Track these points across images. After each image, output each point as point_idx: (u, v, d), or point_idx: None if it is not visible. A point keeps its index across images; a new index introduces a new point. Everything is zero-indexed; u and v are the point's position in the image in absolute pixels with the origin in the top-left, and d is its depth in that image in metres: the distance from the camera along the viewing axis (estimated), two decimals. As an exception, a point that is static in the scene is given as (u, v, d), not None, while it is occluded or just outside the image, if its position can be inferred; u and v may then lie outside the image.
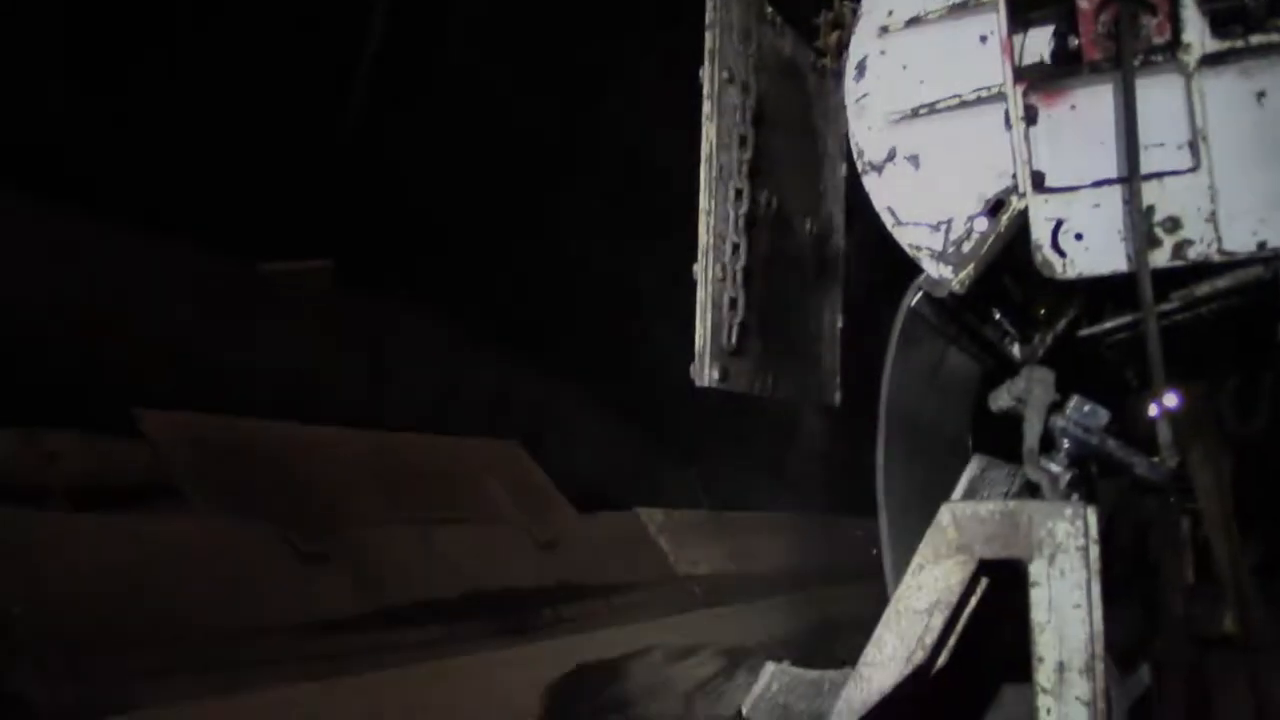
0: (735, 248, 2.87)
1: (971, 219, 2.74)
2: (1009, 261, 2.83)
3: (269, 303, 5.62)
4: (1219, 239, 2.45)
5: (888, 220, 2.86)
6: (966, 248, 2.73)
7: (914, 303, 2.88)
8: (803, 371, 3.25)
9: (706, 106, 2.88)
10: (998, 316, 3.32)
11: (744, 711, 2.54)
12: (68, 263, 4.75)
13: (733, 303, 2.85)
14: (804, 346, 3.28)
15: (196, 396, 4.76)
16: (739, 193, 2.89)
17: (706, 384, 2.78)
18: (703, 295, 2.79)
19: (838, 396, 3.43)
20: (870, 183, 2.90)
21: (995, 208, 2.70)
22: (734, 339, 2.84)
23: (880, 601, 2.58)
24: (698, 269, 2.80)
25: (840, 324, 3.45)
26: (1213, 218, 2.46)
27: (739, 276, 2.87)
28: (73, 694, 3.17)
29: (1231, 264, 2.50)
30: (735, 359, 2.86)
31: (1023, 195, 2.66)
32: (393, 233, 7.00)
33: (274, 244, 6.05)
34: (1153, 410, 2.72)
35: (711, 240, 2.80)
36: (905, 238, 2.83)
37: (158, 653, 3.47)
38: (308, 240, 6.30)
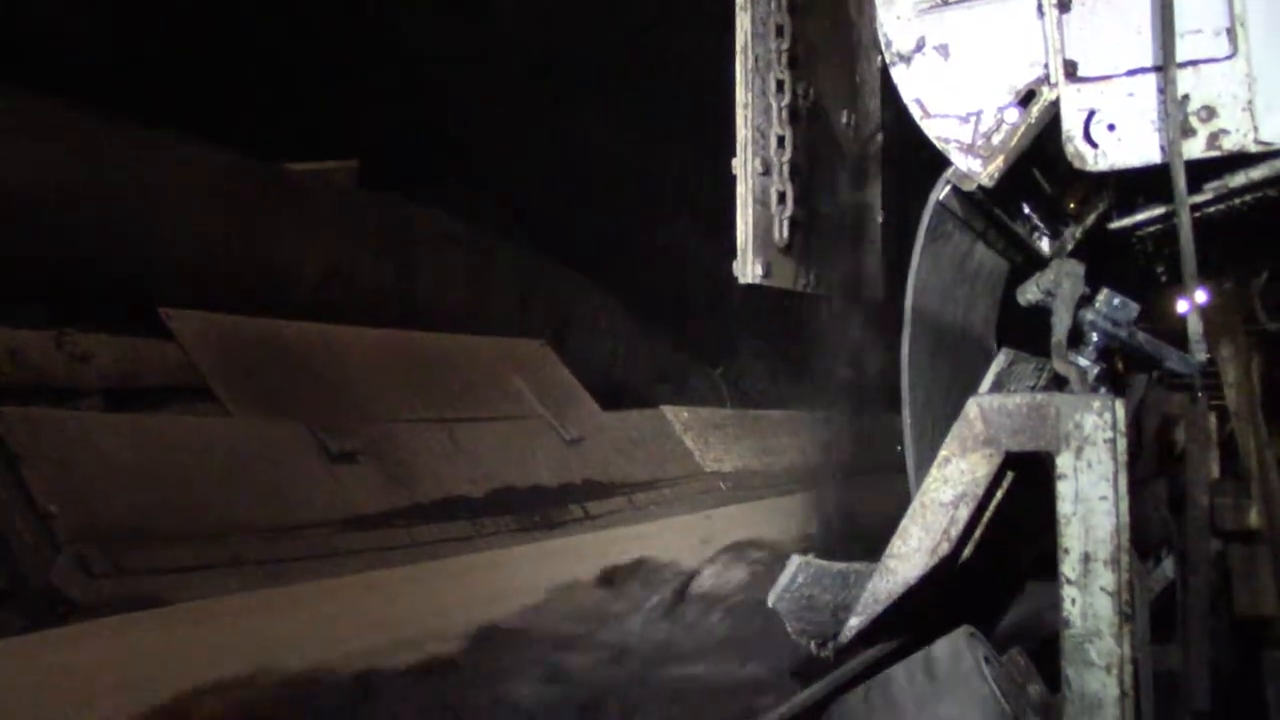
0: (780, 140, 2.81)
1: (1001, 110, 2.68)
2: (1039, 154, 2.79)
3: (295, 202, 5.61)
4: (1255, 128, 2.40)
5: (916, 112, 2.80)
6: (996, 140, 2.69)
7: (941, 196, 2.83)
8: (846, 267, 3.21)
9: None
10: (1027, 210, 3.27)
11: (770, 603, 2.56)
12: (95, 165, 4.75)
13: (781, 197, 2.80)
14: (847, 241, 3.24)
15: (224, 295, 4.78)
16: (780, 84, 2.83)
17: (750, 280, 2.74)
18: (743, 190, 2.74)
19: (880, 291, 3.39)
20: (898, 74, 2.84)
21: (1026, 98, 2.64)
22: (785, 234, 2.80)
23: (905, 497, 2.59)
24: (736, 164, 2.76)
25: (881, 218, 3.39)
26: (1249, 106, 2.40)
27: (786, 170, 2.82)
28: (110, 588, 3.23)
29: (1268, 154, 2.45)
30: (783, 255, 2.82)
31: (1054, 85, 2.60)
32: (417, 132, 6.96)
33: (300, 144, 6.04)
34: (1182, 305, 2.69)
35: (750, 134, 2.75)
36: (934, 130, 2.78)
37: (191, 549, 3.53)
38: (333, 140, 6.28)
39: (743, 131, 2.76)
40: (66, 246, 4.69)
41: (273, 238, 5.47)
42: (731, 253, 2.77)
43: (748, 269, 2.75)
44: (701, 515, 5.14)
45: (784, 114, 2.82)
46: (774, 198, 2.79)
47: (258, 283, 5.37)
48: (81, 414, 3.96)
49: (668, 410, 6.30)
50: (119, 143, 4.86)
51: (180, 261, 5.07)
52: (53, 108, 4.62)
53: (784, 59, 2.84)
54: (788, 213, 2.81)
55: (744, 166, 2.75)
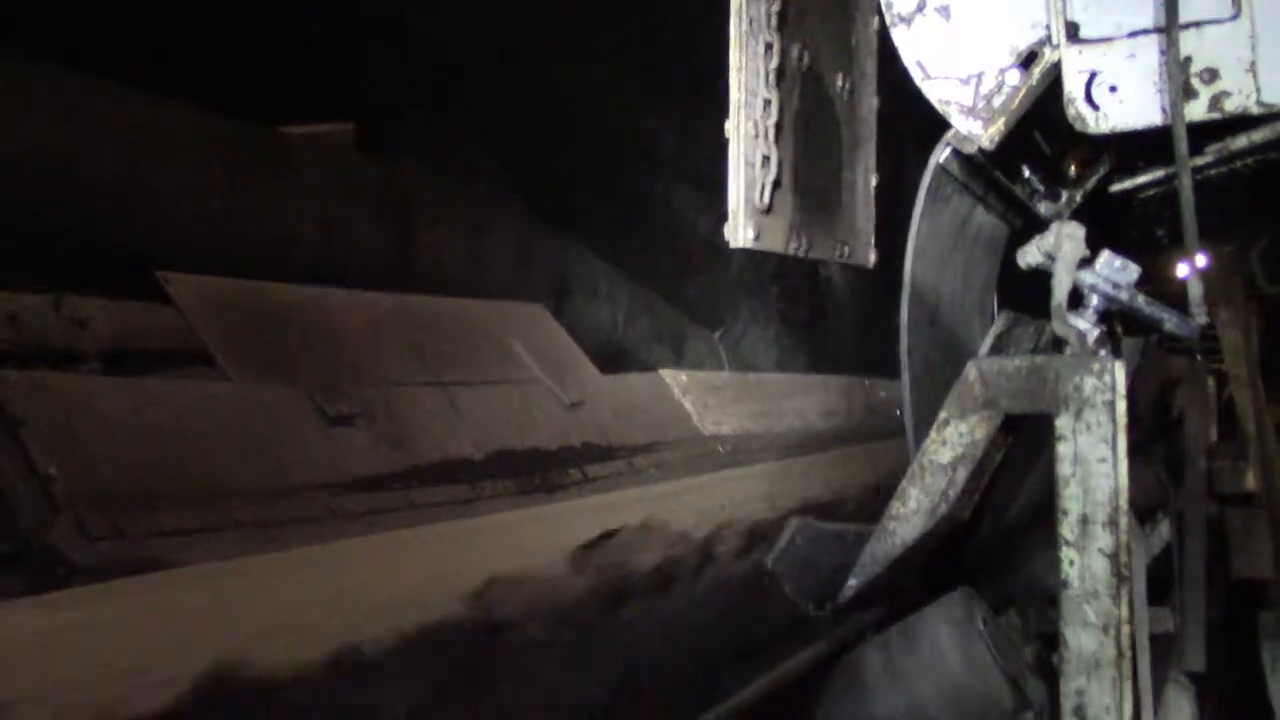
0: (766, 104, 2.80)
1: (1003, 72, 2.67)
2: (1040, 117, 2.78)
3: (292, 166, 5.59)
4: (1258, 90, 2.39)
5: (916, 75, 2.79)
6: (997, 102, 2.68)
7: (941, 159, 2.83)
8: (837, 231, 3.20)
9: None
10: (1027, 173, 3.27)
11: (769, 565, 2.58)
12: (90, 129, 4.73)
13: (765, 160, 2.79)
14: (838, 205, 3.23)
15: (220, 260, 4.77)
16: (769, 46, 2.81)
17: (741, 244, 2.74)
18: (734, 153, 2.73)
19: (872, 257, 3.38)
20: (899, 36, 2.83)
21: (1027, 60, 2.63)
22: (767, 198, 2.79)
23: (904, 460, 2.59)
24: (729, 126, 2.74)
25: (875, 182, 3.38)
26: (1252, 68, 2.39)
27: (771, 133, 2.81)
28: (110, 551, 3.24)
29: (1270, 116, 2.44)
30: (768, 218, 2.81)
31: (1056, 46, 2.59)
32: (414, 94, 6.93)
33: (295, 107, 6.01)
34: (1183, 269, 2.69)
35: (743, 96, 2.73)
36: (934, 92, 2.77)
37: (191, 512, 3.53)
38: (329, 103, 6.26)
39: (736, 94, 2.75)
40: (63, 211, 4.68)
41: (270, 201, 5.46)
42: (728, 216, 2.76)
43: (738, 233, 2.74)
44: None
45: (771, 77, 2.81)
46: (758, 161, 2.77)
47: (255, 246, 5.36)
48: (81, 378, 3.95)
49: (666, 373, 6.29)
50: (115, 107, 4.84)
51: (177, 225, 5.06)
52: (49, 73, 4.60)
53: (773, 21, 2.82)
54: (771, 176, 2.79)
55: (737, 129, 2.74)
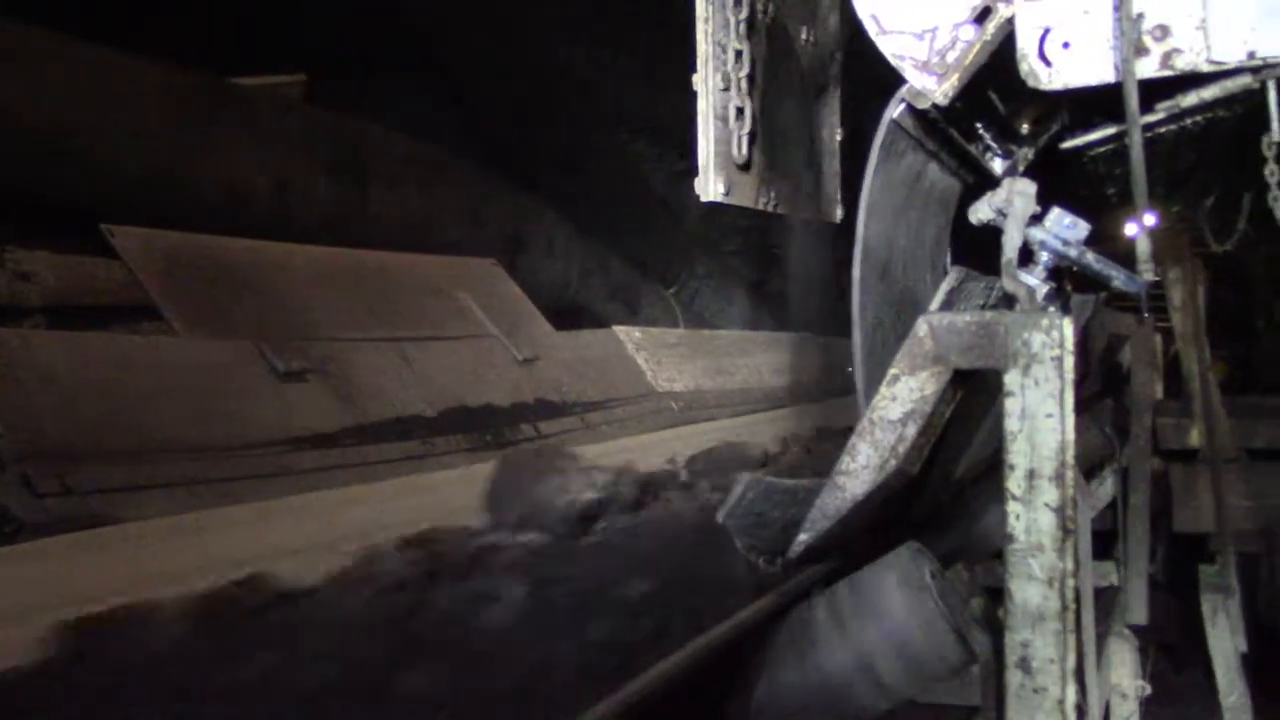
0: (738, 55, 2.77)
1: (957, 27, 2.66)
2: (994, 73, 2.78)
3: (244, 117, 5.51)
4: (1208, 48, 2.40)
5: (871, 28, 2.78)
6: (951, 57, 2.67)
7: (896, 115, 2.82)
8: (805, 185, 3.19)
9: None
10: (980, 130, 3.27)
11: (719, 519, 2.59)
12: (38, 80, 4.63)
13: (739, 112, 2.77)
14: (806, 159, 3.21)
15: (170, 214, 4.70)
16: None
17: (712, 198, 2.72)
18: (704, 106, 2.71)
19: (839, 211, 3.37)
20: (854, -13, 2.81)
21: (982, 15, 2.63)
22: (744, 150, 2.77)
23: (854, 416, 2.60)
24: (697, 79, 2.72)
25: (840, 136, 3.37)
26: (1203, 25, 2.40)
27: (744, 85, 2.79)
28: (58, 507, 3.21)
29: (1220, 74, 2.46)
30: (741, 173, 2.79)
31: (1010, 2, 2.59)
32: (370, 50, 6.84)
33: (246, 57, 5.92)
34: (1132, 227, 2.71)
35: (710, 49, 2.71)
36: (889, 47, 2.75)
37: (140, 468, 3.50)
38: (280, 53, 6.16)
39: (703, 46, 2.72)
40: (6, 163, 4.59)
41: (221, 154, 5.39)
42: (687, 171, 2.75)
43: (709, 187, 2.72)
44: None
45: (741, 28, 2.78)
46: (732, 114, 2.75)
47: (206, 200, 5.29)
48: (26, 331, 3.90)
49: (620, 330, 6.30)
50: (64, 57, 4.75)
51: (126, 178, 4.98)
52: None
53: None
54: (745, 129, 2.77)
55: (705, 82, 2.71)
